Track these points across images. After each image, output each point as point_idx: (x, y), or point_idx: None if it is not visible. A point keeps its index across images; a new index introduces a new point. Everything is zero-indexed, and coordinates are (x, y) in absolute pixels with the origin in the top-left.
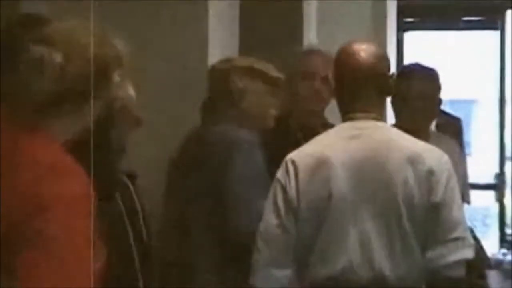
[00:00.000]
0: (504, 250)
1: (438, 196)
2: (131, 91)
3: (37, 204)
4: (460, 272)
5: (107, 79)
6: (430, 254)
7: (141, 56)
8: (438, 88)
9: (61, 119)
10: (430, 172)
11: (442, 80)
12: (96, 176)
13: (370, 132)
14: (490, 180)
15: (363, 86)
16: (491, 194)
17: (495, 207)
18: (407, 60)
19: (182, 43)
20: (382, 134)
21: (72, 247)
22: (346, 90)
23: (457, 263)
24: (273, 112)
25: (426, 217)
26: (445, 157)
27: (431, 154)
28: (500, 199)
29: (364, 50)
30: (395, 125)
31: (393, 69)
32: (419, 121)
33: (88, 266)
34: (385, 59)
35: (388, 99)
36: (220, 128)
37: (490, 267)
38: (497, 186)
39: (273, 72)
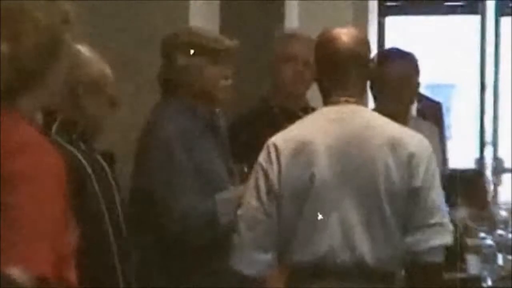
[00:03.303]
0: (482, 235)
1: (418, 181)
2: (107, 70)
3: (9, 181)
4: (439, 257)
5: (60, 46)
6: (409, 239)
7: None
8: (416, 71)
9: (25, 97)
10: (411, 157)
11: (423, 65)
12: None
13: (352, 116)
14: (470, 165)
15: (345, 71)
16: None
17: None
18: (388, 45)
19: (163, 28)
20: (363, 118)
21: (42, 223)
22: (327, 74)
23: (436, 248)
24: (224, 82)
25: (406, 201)
26: (426, 142)
27: (412, 139)
28: None
29: (345, 34)
30: (374, 110)
31: (374, 54)
32: (397, 105)
33: (57, 243)
34: (366, 44)
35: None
36: (155, 117)
37: (469, 251)
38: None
39: (217, 43)
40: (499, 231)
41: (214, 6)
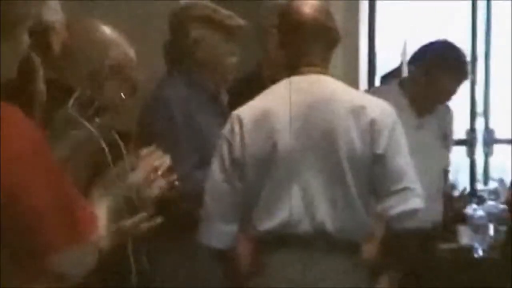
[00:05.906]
0: (474, 206)
1: (381, 147)
2: (132, 54)
3: None
4: (411, 222)
5: None
6: (379, 206)
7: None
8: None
9: None
10: (373, 124)
11: (415, 43)
12: None
13: (315, 85)
14: (461, 136)
15: (309, 40)
16: (462, 150)
17: (466, 162)
18: (379, 28)
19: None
20: (326, 87)
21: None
22: (291, 44)
23: (406, 213)
24: (232, 60)
25: (369, 169)
26: (389, 109)
27: (374, 106)
28: (471, 155)
29: (307, 4)
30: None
31: (364, 37)
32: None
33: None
34: (328, 13)
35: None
36: (158, 88)
37: (461, 221)
38: (468, 142)
39: (232, 20)
40: (490, 202)
41: None
